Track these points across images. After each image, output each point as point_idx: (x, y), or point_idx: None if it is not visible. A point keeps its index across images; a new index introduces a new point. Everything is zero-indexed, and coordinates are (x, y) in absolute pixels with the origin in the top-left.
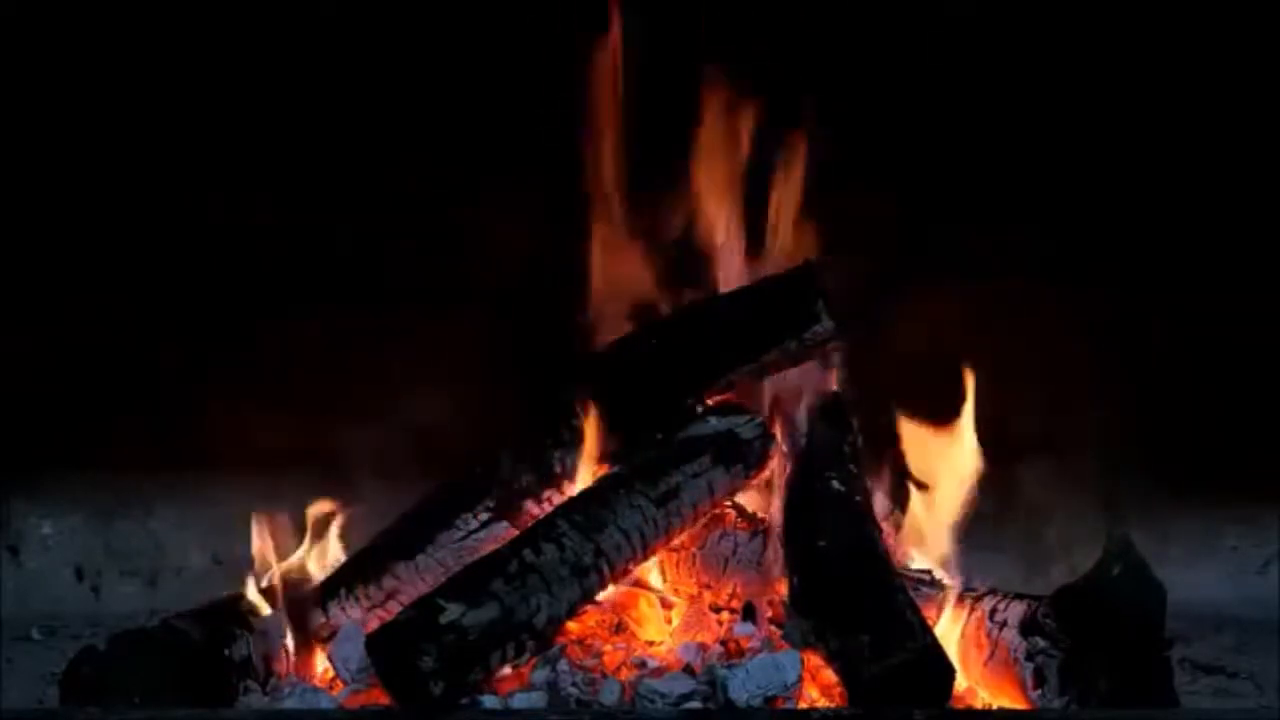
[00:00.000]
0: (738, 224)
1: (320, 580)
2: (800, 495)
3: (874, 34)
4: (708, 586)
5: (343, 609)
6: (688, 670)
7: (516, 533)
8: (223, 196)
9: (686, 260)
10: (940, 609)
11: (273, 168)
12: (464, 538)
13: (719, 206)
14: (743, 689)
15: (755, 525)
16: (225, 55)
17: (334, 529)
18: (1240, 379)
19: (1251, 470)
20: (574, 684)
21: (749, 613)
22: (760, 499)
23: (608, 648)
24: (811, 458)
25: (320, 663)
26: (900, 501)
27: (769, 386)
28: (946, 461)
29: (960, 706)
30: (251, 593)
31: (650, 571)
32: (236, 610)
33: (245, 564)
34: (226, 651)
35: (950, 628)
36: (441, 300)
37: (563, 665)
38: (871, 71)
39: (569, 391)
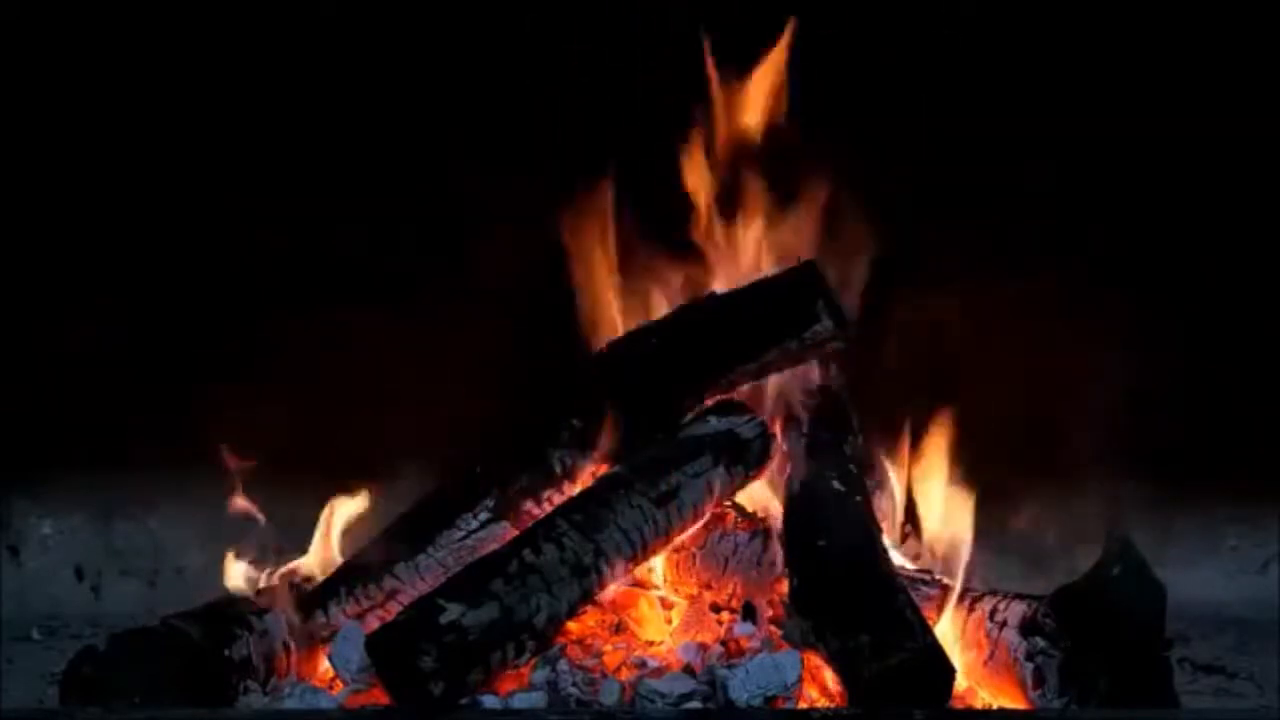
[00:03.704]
0: (738, 224)
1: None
2: (800, 495)
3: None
4: (708, 586)
5: (343, 609)
6: (688, 670)
7: (516, 533)
8: (223, 195)
9: (687, 259)
10: (940, 609)
11: (274, 166)
12: (464, 538)
13: (718, 206)
14: (743, 689)
15: (755, 525)
16: (227, 53)
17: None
18: (1241, 378)
19: (1251, 470)
20: (574, 684)
21: (749, 613)
22: (760, 499)
23: (608, 648)
24: (811, 458)
25: (320, 663)
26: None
27: (769, 386)
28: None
29: (960, 706)
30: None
31: (650, 571)
32: (236, 610)
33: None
34: (226, 651)
35: (950, 628)
36: (443, 300)
37: (563, 665)
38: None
39: (569, 391)
